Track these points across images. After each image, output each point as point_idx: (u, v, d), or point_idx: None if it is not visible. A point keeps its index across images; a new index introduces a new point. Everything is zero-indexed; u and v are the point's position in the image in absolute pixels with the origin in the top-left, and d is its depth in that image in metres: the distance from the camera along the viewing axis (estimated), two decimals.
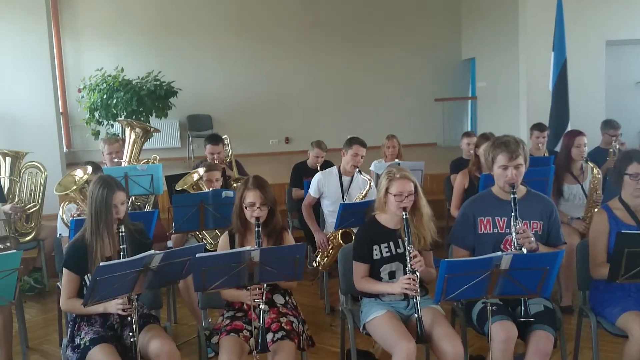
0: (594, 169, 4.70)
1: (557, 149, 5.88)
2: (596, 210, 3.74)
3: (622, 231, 2.82)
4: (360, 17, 11.13)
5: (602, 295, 3.19)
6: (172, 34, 10.58)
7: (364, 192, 4.68)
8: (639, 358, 2.94)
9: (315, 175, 5.02)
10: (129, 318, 2.80)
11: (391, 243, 3.17)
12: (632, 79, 8.41)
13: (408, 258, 2.99)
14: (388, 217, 3.20)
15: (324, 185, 4.90)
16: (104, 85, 8.78)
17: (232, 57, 10.84)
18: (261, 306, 2.85)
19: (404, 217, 3.03)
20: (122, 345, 2.96)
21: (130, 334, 2.80)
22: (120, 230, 2.93)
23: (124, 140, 5.42)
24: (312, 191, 4.95)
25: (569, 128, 6.41)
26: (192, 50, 10.65)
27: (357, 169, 4.79)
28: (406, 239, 3.02)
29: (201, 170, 4.48)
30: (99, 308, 2.84)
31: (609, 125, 5.84)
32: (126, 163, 5.13)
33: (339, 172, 4.92)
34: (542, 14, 7.50)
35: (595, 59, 7.89)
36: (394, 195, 3.07)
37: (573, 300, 4.46)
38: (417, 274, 2.98)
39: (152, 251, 2.67)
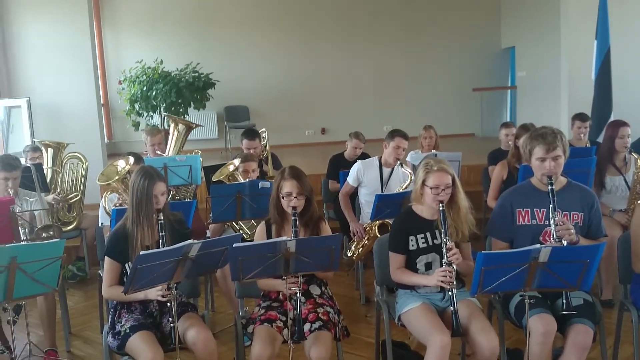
0: (638, 160, 4.57)
1: (599, 139, 5.74)
2: (639, 202, 3.63)
3: None
4: (397, 5, 11.03)
5: None
6: (210, 26, 10.69)
7: (405, 185, 4.66)
8: None
9: (355, 164, 5.02)
10: (168, 305, 2.84)
11: (428, 234, 3.14)
12: None
13: (444, 250, 2.97)
14: (425, 208, 3.17)
15: (363, 175, 4.90)
16: (144, 77, 8.94)
17: (269, 48, 10.89)
18: (298, 294, 2.86)
19: (441, 209, 3.00)
20: (161, 332, 3.03)
21: (170, 319, 2.85)
22: (159, 219, 2.98)
23: (166, 131, 5.51)
24: (351, 180, 4.95)
25: (612, 118, 6.25)
26: (230, 42, 10.74)
27: (399, 162, 4.78)
28: (442, 231, 3.00)
29: (237, 161, 4.51)
30: (139, 295, 2.89)
31: None
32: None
33: (380, 163, 4.90)
34: (585, 2, 7.32)
35: (639, 47, 7.66)
36: (431, 188, 3.04)
37: (614, 294, 4.37)
38: (454, 266, 2.95)
39: (190, 240, 2.71)
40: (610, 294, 4.41)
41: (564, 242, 2.90)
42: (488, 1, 11.10)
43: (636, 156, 4.61)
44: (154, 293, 2.85)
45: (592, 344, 2.88)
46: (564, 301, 2.83)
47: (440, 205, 3.00)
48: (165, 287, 2.82)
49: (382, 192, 4.78)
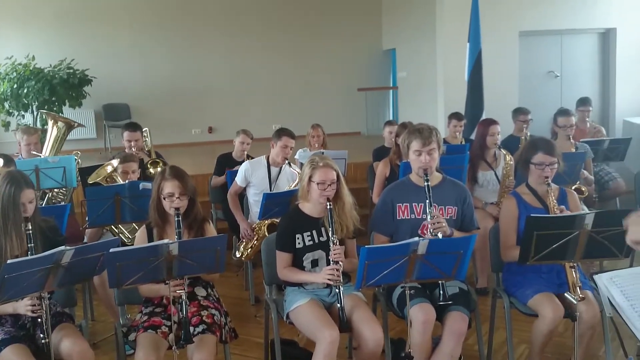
0: (507, 155, 4.89)
1: (473, 137, 6.08)
2: (507, 195, 3.89)
3: (531, 215, 2.94)
4: (284, 6, 11.07)
5: (515, 277, 3.32)
6: (86, 20, 10.13)
7: (293, 185, 4.67)
8: (546, 336, 3.11)
9: (243, 164, 4.97)
10: (39, 320, 2.69)
11: (314, 232, 3.19)
12: (543, 69, 8.79)
13: (333, 248, 3.02)
14: (311, 206, 3.22)
15: (251, 175, 4.86)
16: (14, 74, 8.42)
17: (151, 44, 10.50)
18: (183, 297, 2.79)
19: (329, 207, 3.06)
20: (35, 344, 2.83)
21: (42, 335, 2.69)
22: (27, 228, 2.81)
23: (42, 131, 5.18)
24: (239, 180, 4.89)
25: (484, 117, 6.63)
26: (107, 36, 10.24)
27: (287, 162, 4.80)
28: (330, 229, 3.05)
29: (115, 162, 4.32)
30: (8, 308, 2.74)
31: (519, 112, 6.09)
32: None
33: (268, 162, 4.88)
34: (458, 6, 7.70)
35: (508, 49, 8.20)
36: (317, 184, 3.10)
37: (488, 282, 4.64)
38: (341, 263, 3.01)
39: (62, 247, 2.57)
40: (485, 282, 4.68)
41: (440, 235, 3.06)
42: (370, 5, 11.41)
43: (505, 152, 4.94)
44: (23, 307, 2.69)
45: (468, 330, 3.05)
46: (441, 292, 2.98)
47: (328, 204, 3.05)
48: (36, 299, 2.65)
49: (270, 191, 4.76)
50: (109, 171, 4.24)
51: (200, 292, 3.10)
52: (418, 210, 3.27)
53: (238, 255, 4.79)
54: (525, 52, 8.41)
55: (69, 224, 3.71)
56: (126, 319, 3.28)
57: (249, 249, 4.72)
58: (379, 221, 3.37)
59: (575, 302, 2.89)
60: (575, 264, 2.96)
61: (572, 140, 5.24)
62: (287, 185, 4.81)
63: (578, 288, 2.92)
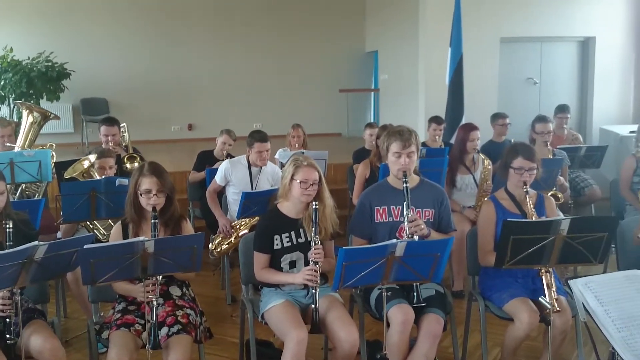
0: (485, 160, 4.94)
1: (452, 140, 6.12)
2: (485, 200, 3.93)
3: (508, 219, 2.96)
4: (267, 5, 11.03)
5: (491, 281, 3.34)
6: (66, 13, 9.99)
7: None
8: (521, 340, 3.14)
9: (223, 163, 4.94)
10: (7, 320, 2.64)
11: (292, 233, 3.18)
12: (523, 75, 8.87)
13: (314, 248, 3.02)
14: (291, 206, 3.20)
15: (231, 174, 4.82)
16: None
17: (131, 39, 10.39)
18: (154, 302, 2.75)
19: (314, 207, 3.05)
20: (4, 342, 2.77)
21: (8, 336, 2.64)
22: (3, 223, 2.75)
23: (17, 123, 5.08)
24: (219, 179, 4.86)
25: (464, 121, 6.68)
26: (87, 30, 10.11)
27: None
28: (313, 228, 3.04)
29: (92, 157, 4.26)
30: None
31: (497, 116, 6.15)
32: (19, 149, 4.80)
33: (248, 162, 4.85)
34: (441, 11, 7.74)
35: (489, 55, 8.26)
36: (300, 182, 3.08)
37: (464, 285, 4.67)
38: (319, 265, 3.01)
39: (35, 242, 2.52)
40: (461, 285, 4.71)
41: (416, 238, 3.08)
42: (354, 6, 11.43)
43: (483, 156, 4.98)
44: None
45: (444, 333, 3.07)
46: (415, 294, 3.00)
47: (314, 203, 3.05)
48: (7, 294, 2.60)
49: (252, 189, 4.74)
50: (85, 166, 4.17)
51: (176, 291, 3.06)
52: (396, 213, 3.28)
53: (212, 248, 4.75)
54: (506, 58, 8.48)
55: (44, 216, 3.66)
56: (99, 316, 3.23)
57: (225, 245, 4.69)
58: (357, 224, 3.37)
59: (549, 306, 2.91)
60: (550, 269, 2.99)
61: (549, 147, 5.31)
62: (268, 184, 4.79)
63: (553, 292, 2.95)
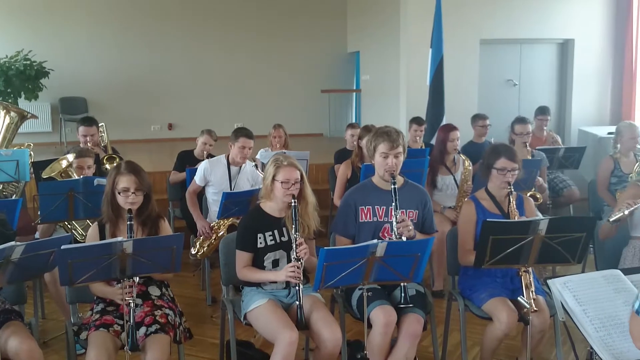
0: (465, 161, 4.97)
1: (433, 141, 6.15)
2: (465, 200, 3.95)
3: (488, 219, 2.98)
4: (249, 5, 11.00)
5: (470, 281, 3.37)
6: (44, 12, 9.87)
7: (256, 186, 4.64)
8: (500, 339, 3.17)
9: (202, 164, 4.90)
10: None
11: (275, 231, 3.17)
12: (502, 77, 8.95)
13: (294, 246, 3.00)
14: (273, 205, 3.19)
15: (210, 174, 4.79)
16: None
17: (110, 37, 10.30)
18: (132, 304, 2.72)
19: (293, 204, 3.04)
20: None
21: None
22: None
23: None
24: (198, 179, 4.82)
25: (444, 122, 6.72)
26: (66, 29, 10.01)
27: (254, 164, 4.79)
28: (293, 226, 3.03)
29: (70, 157, 4.20)
30: None
31: (477, 117, 6.19)
32: None
33: (227, 161, 4.83)
34: (422, 12, 7.78)
35: (469, 56, 8.32)
36: (282, 182, 3.07)
37: (444, 285, 4.70)
38: (302, 261, 3.00)
39: (12, 242, 2.49)
40: (442, 285, 4.74)
41: (404, 238, 3.08)
42: (335, 7, 11.44)
43: (464, 157, 5.01)
44: None
45: (424, 332, 3.08)
46: (402, 294, 3.00)
47: (293, 201, 3.03)
48: None
49: (231, 189, 4.72)
50: (63, 166, 4.12)
51: (154, 291, 3.03)
52: (380, 213, 3.28)
53: (194, 252, 4.72)
54: (486, 59, 8.55)
55: (21, 216, 3.60)
56: (77, 317, 3.19)
57: (205, 247, 4.66)
58: (341, 223, 3.36)
59: (527, 306, 2.94)
60: (529, 269, 3.01)
61: (528, 148, 5.36)
62: (247, 184, 4.77)
63: (531, 292, 2.98)
